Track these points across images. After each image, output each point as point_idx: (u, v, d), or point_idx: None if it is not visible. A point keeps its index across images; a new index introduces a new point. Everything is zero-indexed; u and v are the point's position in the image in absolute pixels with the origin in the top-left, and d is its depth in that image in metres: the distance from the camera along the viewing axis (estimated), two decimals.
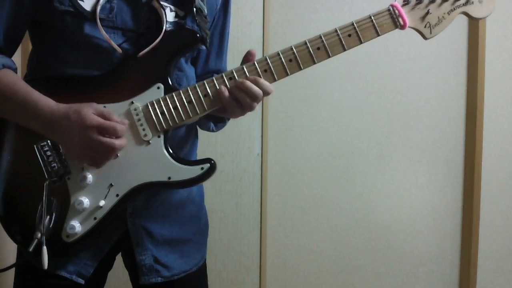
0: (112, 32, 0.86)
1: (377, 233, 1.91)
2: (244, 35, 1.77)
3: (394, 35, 1.98)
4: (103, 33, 0.83)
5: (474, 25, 1.87)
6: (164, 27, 0.86)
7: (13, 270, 0.96)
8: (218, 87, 0.86)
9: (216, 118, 1.04)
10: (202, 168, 0.86)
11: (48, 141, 0.85)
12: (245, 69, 0.87)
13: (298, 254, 1.89)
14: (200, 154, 1.73)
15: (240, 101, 0.86)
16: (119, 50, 0.85)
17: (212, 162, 0.87)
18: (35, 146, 0.85)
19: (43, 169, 0.84)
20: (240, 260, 1.84)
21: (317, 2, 1.83)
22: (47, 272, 0.90)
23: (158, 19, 0.88)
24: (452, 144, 1.93)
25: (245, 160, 1.81)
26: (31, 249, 0.79)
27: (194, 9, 0.91)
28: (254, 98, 0.86)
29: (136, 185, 0.86)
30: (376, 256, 1.92)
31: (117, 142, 0.81)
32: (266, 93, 0.86)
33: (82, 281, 0.93)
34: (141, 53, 0.86)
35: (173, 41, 0.88)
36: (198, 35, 0.88)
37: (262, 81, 0.86)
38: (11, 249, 1.00)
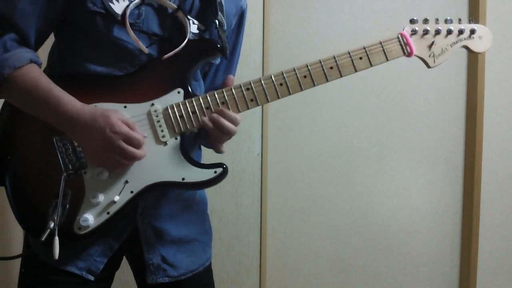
0: (138, 35, 0.89)
1: (377, 233, 1.91)
2: (244, 35, 1.77)
3: (394, 34, 1.98)
4: (132, 35, 0.87)
5: None
6: (188, 36, 0.90)
7: (19, 261, 0.96)
8: (234, 95, 0.91)
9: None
10: (215, 172, 0.90)
11: (64, 136, 0.87)
12: (262, 81, 0.91)
13: (298, 254, 1.89)
14: None
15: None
16: (145, 50, 0.89)
17: (225, 166, 0.90)
18: (54, 138, 0.87)
19: (61, 161, 0.86)
20: (240, 260, 1.84)
21: (317, 2, 1.83)
22: (54, 268, 0.91)
23: (182, 29, 0.92)
24: (452, 144, 1.93)
25: (245, 160, 1.81)
26: (43, 239, 0.79)
27: (217, 21, 0.95)
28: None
29: (151, 183, 0.89)
30: (376, 256, 1.92)
31: (138, 152, 0.85)
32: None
33: (92, 278, 0.94)
34: (165, 56, 0.89)
35: (195, 49, 0.92)
36: (218, 45, 0.92)
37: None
38: (18, 237, 1.01)
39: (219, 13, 0.95)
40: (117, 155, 0.84)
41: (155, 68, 0.91)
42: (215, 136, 0.92)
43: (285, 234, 1.87)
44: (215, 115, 0.90)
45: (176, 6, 0.92)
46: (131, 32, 0.86)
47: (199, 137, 1.01)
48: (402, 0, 1.87)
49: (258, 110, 1.79)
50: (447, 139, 1.92)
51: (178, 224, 1.01)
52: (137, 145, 0.84)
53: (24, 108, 0.87)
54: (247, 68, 1.78)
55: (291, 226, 1.87)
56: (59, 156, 0.87)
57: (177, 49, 0.89)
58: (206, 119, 0.89)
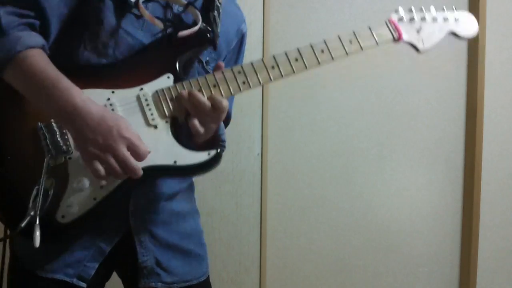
0: (143, 25, 0.90)
1: (377, 233, 1.91)
2: None
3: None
4: (146, 13, 0.87)
5: None
6: (199, 24, 0.89)
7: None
8: (226, 77, 0.88)
9: (210, 145, 1.03)
10: (208, 154, 0.86)
11: (53, 123, 0.84)
12: (253, 64, 0.90)
13: (298, 254, 1.88)
14: None
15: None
16: (160, 25, 0.88)
17: (218, 149, 0.86)
18: (38, 124, 0.83)
19: (44, 147, 0.82)
20: (240, 260, 1.84)
21: (317, 2, 1.83)
22: (40, 277, 0.88)
23: (183, 26, 0.92)
24: (452, 144, 1.93)
25: (245, 160, 1.81)
26: (23, 225, 0.76)
27: (212, 16, 0.94)
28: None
29: (141, 167, 0.83)
30: (376, 256, 1.92)
31: (137, 167, 0.78)
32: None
33: (84, 285, 0.91)
34: (180, 33, 0.88)
35: (187, 37, 0.91)
36: (209, 35, 0.91)
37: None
38: None
39: (216, 12, 0.95)
40: (112, 160, 0.77)
41: (144, 55, 0.90)
42: (198, 119, 0.86)
43: (285, 234, 1.87)
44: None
45: (185, 2, 0.92)
46: (145, 12, 0.86)
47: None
48: (402, 0, 1.87)
49: (258, 110, 1.79)
50: (447, 139, 1.92)
51: (172, 232, 0.99)
52: (139, 157, 0.79)
53: (26, 89, 0.82)
54: None
55: (291, 226, 1.87)
56: (42, 142, 0.82)
57: (192, 29, 0.88)
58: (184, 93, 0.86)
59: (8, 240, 0.93)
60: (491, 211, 1.92)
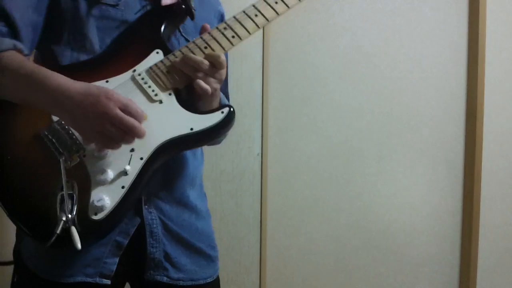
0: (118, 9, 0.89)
1: (377, 233, 1.91)
2: None
3: (394, 34, 1.99)
4: None
5: (474, 25, 1.87)
6: None
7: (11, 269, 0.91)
8: (214, 36, 0.88)
9: None
10: (222, 112, 0.85)
11: (53, 124, 0.82)
12: (236, 17, 0.90)
13: (298, 254, 1.88)
14: None
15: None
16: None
17: (231, 106, 0.86)
18: (42, 133, 0.81)
19: (55, 152, 0.80)
20: (240, 260, 1.84)
21: (317, 2, 1.83)
22: (60, 283, 0.85)
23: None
24: (452, 144, 1.93)
25: (245, 160, 1.81)
26: (58, 231, 0.73)
27: None
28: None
29: (160, 144, 0.82)
30: (376, 256, 1.92)
31: (138, 124, 0.76)
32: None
33: (108, 281, 0.88)
34: (163, 2, 0.88)
35: (162, 11, 0.92)
36: (183, 5, 0.91)
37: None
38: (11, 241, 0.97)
39: None
40: (113, 126, 0.75)
41: (128, 38, 0.89)
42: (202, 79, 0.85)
43: (285, 234, 1.87)
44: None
45: None
46: None
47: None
48: (402, 0, 1.87)
49: (258, 110, 1.79)
50: (447, 139, 1.92)
51: (185, 227, 0.97)
52: (136, 116, 0.76)
53: (6, 89, 0.81)
54: (247, 68, 1.77)
55: (291, 226, 1.87)
56: (52, 147, 0.80)
57: None
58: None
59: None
60: (491, 211, 1.92)
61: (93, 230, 0.80)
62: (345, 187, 1.89)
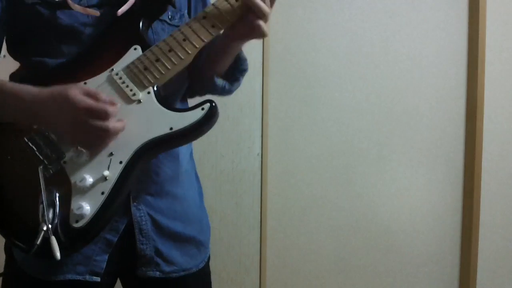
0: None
1: (377, 233, 1.91)
2: None
3: (394, 34, 1.99)
4: (77, 6, 0.83)
5: (474, 25, 1.87)
6: None
7: None
8: (193, 28, 0.84)
9: (229, 75, 1.00)
10: (202, 109, 0.81)
11: (33, 132, 0.81)
12: (214, 5, 0.85)
13: (298, 254, 1.88)
14: (200, 153, 1.74)
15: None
16: (97, 13, 0.84)
17: (212, 101, 0.81)
18: (24, 139, 0.80)
19: (35, 159, 0.79)
20: (240, 260, 1.84)
21: (317, 2, 1.83)
22: (48, 282, 0.85)
23: None
24: (452, 144, 1.93)
25: (245, 160, 1.81)
26: (38, 242, 0.73)
27: None
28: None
29: (139, 147, 0.80)
30: (376, 256, 1.92)
31: (111, 125, 0.76)
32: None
33: (97, 279, 0.88)
34: (119, 11, 0.84)
35: (143, 5, 0.87)
36: None
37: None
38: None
39: None
40: (87, 133, 0.76)
41: (103, 37, 0.86)
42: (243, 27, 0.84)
43: (285, 234, 1.87)
44: None
45: None
46: (75, 5, 0.82)
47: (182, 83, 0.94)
48: (402, 0, 1.87)
49: (258, 110, 1.79)
50: (447, 139, 1.92)
51: (175, 219, 0.96)
52: (103, 117, 0.75)
53: None
54: None
55: (291, 226, 1.87)
56: (33, 155, 0.79)
57: (129, 3, 0.84)
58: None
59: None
60: (491, 211, 1.92)
61: (78, 238, 0.78)
62: (345, 187, 1.89)
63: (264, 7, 0.83)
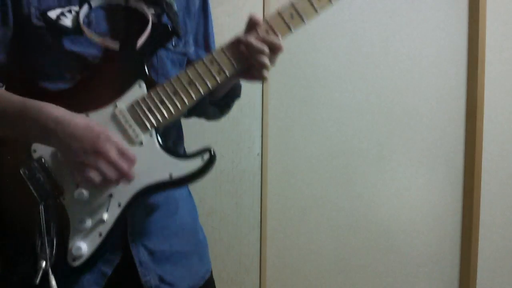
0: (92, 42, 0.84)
1: (377, 233, 1.91)
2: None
3: (394, 34, 1.98)
4: (97, 38, 0.82)
5: (474, 25, 1.87)
6: (150, 19, 0.85)
7: None
8: (199, 71, 0.84)
9: (220, 103, 1.00)
10: (202, 159, 0.84)
11: (34, 162, 0.80)
12: (224, 50, 0.85)
13: (298, 254, 1.89)
14: None
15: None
16: (116, 47, 0.83)
17: (211, 150, 0.84)
18: (21, 170, 0.79)
19: (34, 193, 0.79)
20: (240, 260, 1.84)
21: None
22: None
23: (137, 19, 0.87)
24: (452, 144, 1.93)
25: (245, 160, 1.81)
26: (37, 281, 0.74)
27: (165, 4, 0.90)
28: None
29: (138, 190, 0.82)
30: (376, 256, 1.92)
31: (128, 170, 0.78)
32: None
33: None
34: (139, 44, 0.83)
35: (148, 37, 0.86)
36: (170, 28, 0.87)
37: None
38: None
39: None
40: (105, 166, 0.76)
41: (108, 66, 0.84)
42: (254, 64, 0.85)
43: (285, 234, 1.87)
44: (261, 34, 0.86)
45: None
46: (94, 36, 0.81)
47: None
48: (402, 0, 1.87)
49: (258, 110, 1.79)
50: (447, 139, 1.92)
51: (170, 237, 0.96)
52: (129, 161, 0.77)
53: None
54: None
55: (291, 226, 1.87)
56: (33, 189, 0.79)
57: (146, 34, 0.83)
58: (255, 40, 0.85)
59: None
60: (491, 211, 1.92)
61: (75, 271, 0.81)
62: (345, 187, 1.89)
63: (268, 64, 0.87)
